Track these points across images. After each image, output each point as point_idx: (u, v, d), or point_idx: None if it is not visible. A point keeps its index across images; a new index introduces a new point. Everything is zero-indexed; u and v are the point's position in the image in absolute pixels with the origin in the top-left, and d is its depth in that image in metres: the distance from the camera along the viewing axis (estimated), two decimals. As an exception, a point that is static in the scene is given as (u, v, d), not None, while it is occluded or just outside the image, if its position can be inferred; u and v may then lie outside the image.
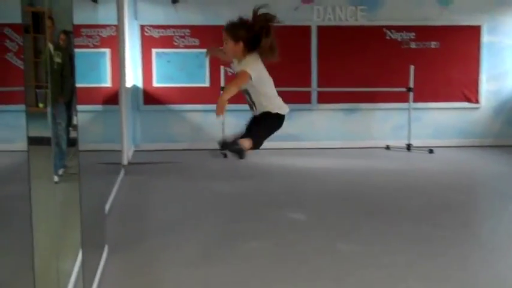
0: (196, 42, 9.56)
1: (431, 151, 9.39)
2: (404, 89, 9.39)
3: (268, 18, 4.05)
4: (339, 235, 5.16)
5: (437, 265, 4.42)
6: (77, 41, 4.28)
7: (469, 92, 9.93)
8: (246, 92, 4.25)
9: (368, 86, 9.73)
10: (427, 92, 9.82)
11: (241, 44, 4.13)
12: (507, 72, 10.04)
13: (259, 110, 4.23)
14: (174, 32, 9.55)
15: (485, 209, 6.48)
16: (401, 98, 9.54)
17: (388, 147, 9.76)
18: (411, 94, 9.39)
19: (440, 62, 9.85)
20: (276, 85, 4.35)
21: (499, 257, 4.65)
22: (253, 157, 8.87)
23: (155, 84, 9.65)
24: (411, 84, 9.33)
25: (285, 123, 4.78)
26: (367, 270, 4.28)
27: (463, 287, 4.03)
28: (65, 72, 4.57)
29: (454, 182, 7.38)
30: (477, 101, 10.02)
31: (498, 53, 9.97)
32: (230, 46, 4.14)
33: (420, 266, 4.37)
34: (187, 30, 9.53)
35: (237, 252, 4.78)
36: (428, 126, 10.03)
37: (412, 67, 9.31)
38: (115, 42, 8.05)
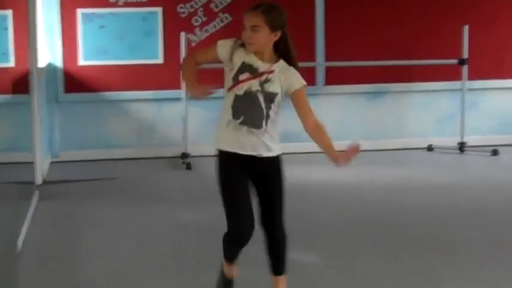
0: (144, -4, 9.79)
1: (495, 152, 9.78)
2: (455, 61, 9.73)
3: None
4: (371, 286, 5.30)
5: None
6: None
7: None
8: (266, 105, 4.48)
9: (401, 58, 10.09)
10: (489, 65, 10.19)
11: (278, 35, 4.46)
12: None
13: (265, 142, 4.51)
14: (109, -19, 9.75)
15: None
16: (451, 74, 9.91)
17: (431, 148, 10.21)
18: (465, 68, 9.74)
19: (508, 19, 10.24)
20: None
21: None
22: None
23: (82, 61, 9.89)
24: (465, 54, 9.65)
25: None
26: None
27: None
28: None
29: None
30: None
31: None
32: (263, 35, 4.39)
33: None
34: (130, -21, 9.76)
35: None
36: (490, 115, 10.41)
37: (466, 28, 9.64)
38: (21, 0, 8.09)
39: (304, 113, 4.51)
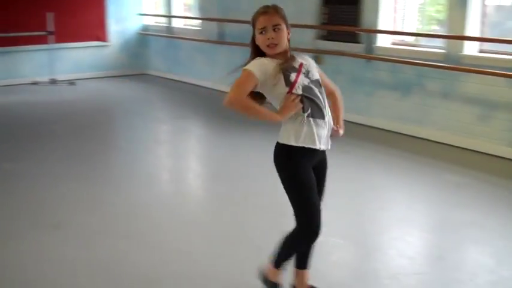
0: None
1: (72, 83, 12.24)
2: (45, 33, 12.11)
3: None
4: (2, 157, 6.90)
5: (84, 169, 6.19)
6: None
7: (100, 33, 13.07)
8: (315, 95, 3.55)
9: (9, 32, 11.92)
10: (67, 34, 12.45)
11: (289, 32, 3.57)
12: (128, 15, 13.52)
13: (328, 134, 3.59)
14: None
15: (123, 123, 8.97)
16: (43, 40, 12.36)
17: (36, 83, 12.27)
18: (52, 37, 12.17)
19: (74, 8, 12.59)
20: None
21: (136, 158, 6.83)
22: None
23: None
24: (50, 28, 12.05)
25: None
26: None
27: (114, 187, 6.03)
28: None
29: (95, 106, 9.77)
30: (107, 40, 13.20)
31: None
32: (284, 34, 3.49)
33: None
34: None
35: None
36: (69, 62, 12.83)
37: (51, 14, 11.94)
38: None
39: (328, 86, 3.69)
